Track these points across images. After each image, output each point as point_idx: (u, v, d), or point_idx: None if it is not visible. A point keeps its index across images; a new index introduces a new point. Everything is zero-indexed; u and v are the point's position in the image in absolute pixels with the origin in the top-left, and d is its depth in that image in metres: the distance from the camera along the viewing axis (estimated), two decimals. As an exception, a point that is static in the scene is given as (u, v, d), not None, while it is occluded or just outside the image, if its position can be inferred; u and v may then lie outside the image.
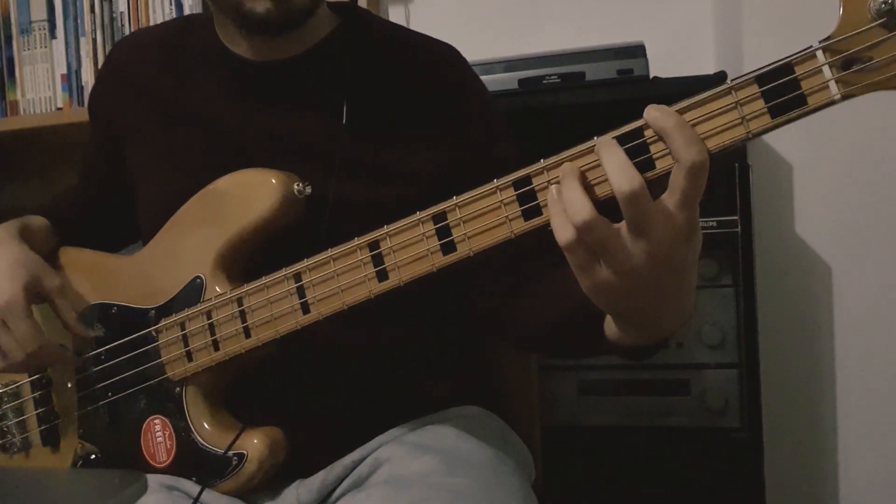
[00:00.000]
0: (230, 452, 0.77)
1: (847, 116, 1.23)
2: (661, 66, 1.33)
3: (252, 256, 0.80)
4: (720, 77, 1.18)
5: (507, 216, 0.63)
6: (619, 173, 0.54)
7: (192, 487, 0.78)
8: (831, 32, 0.54)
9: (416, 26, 1.63)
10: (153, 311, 0.83)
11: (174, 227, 0.85)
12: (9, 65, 1.63)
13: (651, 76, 1.26)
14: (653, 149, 0.57)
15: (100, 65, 1.38)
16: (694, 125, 0.55)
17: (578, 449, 1.27)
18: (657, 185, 0.56)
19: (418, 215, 0.67)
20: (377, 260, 0.69)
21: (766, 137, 1.34)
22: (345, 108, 0.83)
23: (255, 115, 0.86)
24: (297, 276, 0.73)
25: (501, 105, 0.93)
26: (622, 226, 0.55)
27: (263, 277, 0.75)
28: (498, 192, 0.63)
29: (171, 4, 1.56)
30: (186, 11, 1.55)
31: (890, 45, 0.52)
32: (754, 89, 0.55)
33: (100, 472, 0.85)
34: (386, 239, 0.68)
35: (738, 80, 0.55)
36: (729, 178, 1.19)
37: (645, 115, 0.56)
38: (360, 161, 0.83)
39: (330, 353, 0.82)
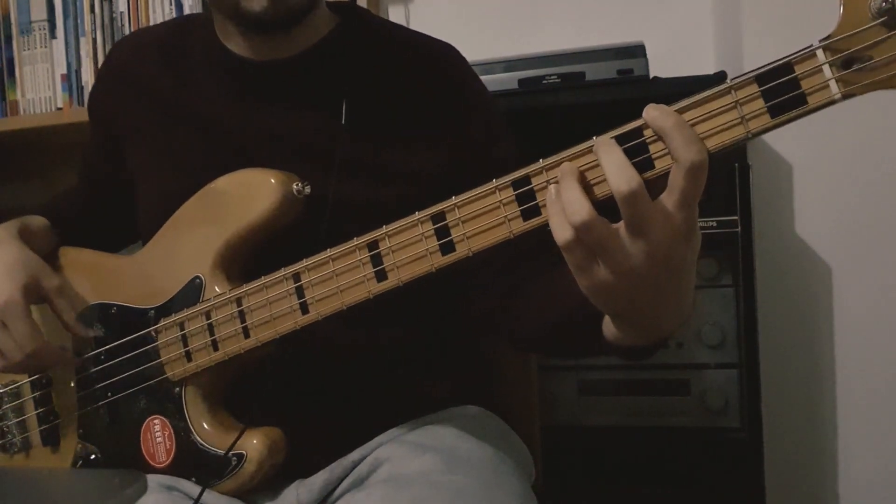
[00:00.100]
0: (230, 453, 0.77)
1: (847, 116, 1.23)
2: (661, 66, 1.33)
3: (252, 256, 0.80)
4: (720, 77, 1.18)
5: (506, 216, 0.63)
6: (617, 173, 0.54)
7: (192, 488, 0.78)
8: (831, 31, 0.53)
9: (416, 26, 1.63)
10: (153, 312, 0.83)
11: (173, 226, 0.85)
12: (9, 65, 1.63)
13: (651, 76, 1.26)
14: (652, 148, 0.57)
15: (100, 65, 1.38)
16: (693, 125, 0.55)
17: (578, 449, 1.27)
18: (656, 185, 0.56)
19: (417, 215, 0.67)
20: (376, 260, 0.69)
21: (766, 137, 1.34)
22: (344, 108, 0.83)
23: (255, 115, 0.86)
24: (297, 277, 0.73)
25: (501, 105, 0.93)
26: (621, 226, 0.55)
27: (262, 277, 0.75)
28: (497, 192, 0.63)
29: (171, 4, 1.56)
30: (186, 11, 1.55)
31: (890, 44, 0.52)
32: (754, 89, 0.55)
33: (100, 472, 0.85)
34: (385, 239, 0.68)
35: (738, 80, 0.55)
36: (729, 178, 1.19)
37: (644, 114, 0.56)
38: (359, 161, 0.83)
39: (329, 353, 0.81)
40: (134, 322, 0.84)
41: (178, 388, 0.81)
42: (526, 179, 0.61)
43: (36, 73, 1.62)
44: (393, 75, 0.87)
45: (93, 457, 0.86)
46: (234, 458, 0.77)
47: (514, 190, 0.62)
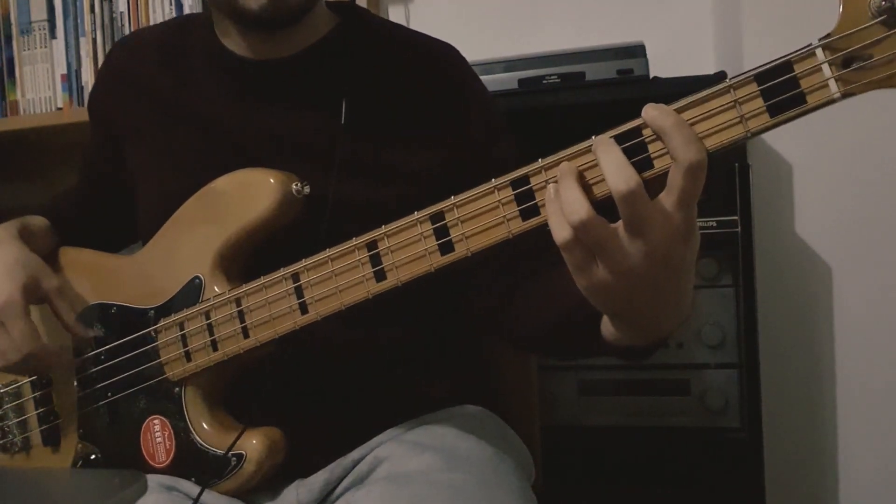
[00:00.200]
0: (229, 453, 0.77)
1: (847, 116, 1.23)
2: (661, 66, 1.33)
3: (251, 256, 0.80)
4: (720, 77, 1.17)
5: (504, 216, 0.62)
6: (615, 172, 0.54)
7: (192, 488, 0.78)
8: (831, 30, 0.53)
9: (416, 26, 1.62)
10: (152, 312, 0.83)
11: (173, 226, 0.85)
12: (9, 65, 1.63)
13: (651, 76, 1.26)
14: (651, 148, 0.56)
15: (100, 65, 1.38)
16: (692, 124, 0.55)
17: (578, 449, 1.26)
18: (655, 185, 0.56)
19: (416, 215, 0.67)
20: (375, 260, 0.69)
21: (766, 137, 1.34)
22: (344, 108, 0.83)
23: (255, 115, 0.86)
24: (296, 277, 0.73)
25: (501, 105, 0.93)
26: (619, 225, 0.55)
27: (262, 277, 0.75)
28: (496, 191, 0.63)
29: (171, 4, 1.56)
30: (186, 11, 1.55)
31: (890, 43, 0.52)
32: (753, 88, 0.55)
33: (100, 472, 0.85)
34: (384, 239, 0.68)
35: (737, 79, 0.55)
36: (729, 177, 1.19)
37: (643, 113, 0.56)
38: (359, 160, 0.83)
39: (328, 353, 0.81)
40: (134, 322, 0.84)
41: (177, 388, 0.81)
42: (525, 179, 0.61)
43: (36, 73, 1.62)
44: (393, 75, 0.87)
45: (93, 457, 0.86)
46: (234, 459, 0.77)
47: (513, 190, 0.62)
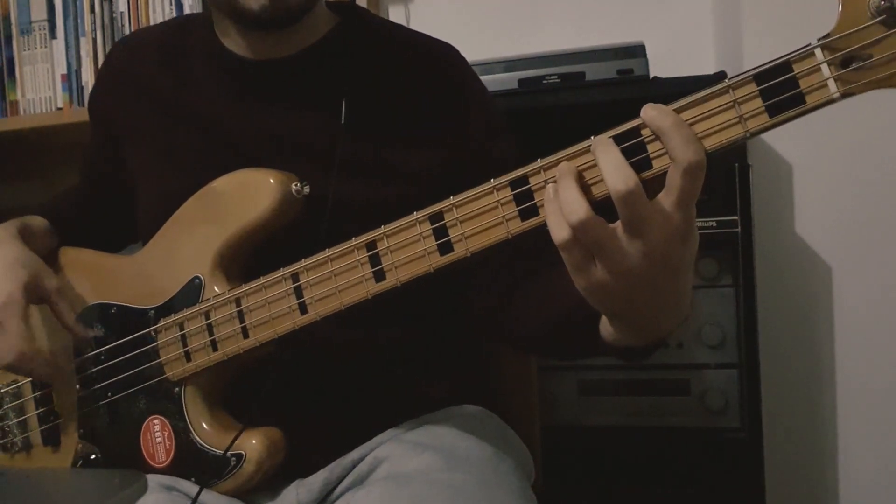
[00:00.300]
0: (229, 453, 0.77)
1: (847, 116, 1.23)
2: (661, 66, 1.33)
3: (251, 256, 0.80)
4: (720, 77, 1.17)
5: (503, 216, 0.62)
6: (614, 173, 0.54)
7: (191, 488, 0.78)
8: (830, 30, 0.53)
9: (416, 26, 1.62)
10: (152, 312, 0.83)
11: (173, 226, 0.85)
12: (9, 65, 1.63)
13: (651, 76, 1.26)
14: (650, 148, 0.56)
15: (100, 65, 1.38)
16: (691, 124, 0.55)
17: (578, 449, 1.26)
18: (655, 185, 0.56)
19: (415, 215, 0.67)
20: (374, 260, 0.69)
21: (766, 137, 1.34)
22: (344, 108, 0.83)
23: (255, 115, 0.86)
24: (295, 277, 0.73)
25: (501, 105, 0.93)
26: (618, 225, 0.55)
27: (261, 277, 0.75)
28: (495, 191, 0.63)
29: (171, 4, 1.56)
30: (186, 11, 1.55)
31: (889, 42, 0.52)
32: (752, 87, 0.55)
33: (100, 472, 0.85)
34: (383, 239, 0.68)
35: (736, 79, 0.55)
36: (729, 177, 1.19)
37: (642, 113, 0.56)
38: (359, 160, 0.83)
39: (328, 353, 0.81)
40: (134, 322, 0.84)
41: (177, 388, 0.81)
42: (524, 179, 0.61)
43: (36, 73, 1.62)
44: (393, 75, 0.87)
45: (93, 457, 0.86)
46: (234, 459, 0.77)
47: (512, 190, 0.62)
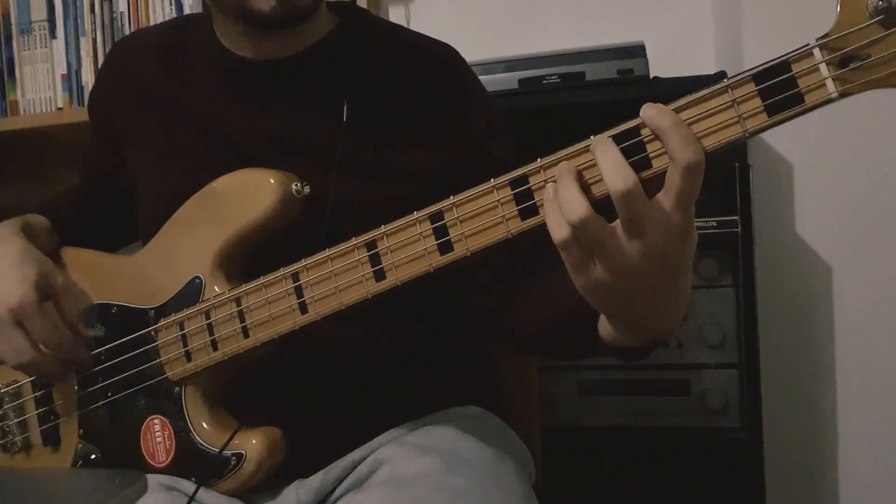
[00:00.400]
0: (229, 452, 0.77)
1: (847, 116, 1.23)
2: (661, 66, 1.33)
3: (251, 256, 0.80)
4: (720, 77, 1.17)
5: (503, 215, 0.63)
6: (613, 172, 0.54)
7: (191, 488, 0.78)
8: (829, 30, 0.53)
9: (416, 26, 1.63)
10: (152, 311, 0.83)
11: (173, 226, 0.85)
12: (9, 65, 1.64)
13: (651, 76, 1.26)
14: (649, 148, 0.57)
15: (100, 65, 1.39)
16: (690, 124, 0.55)
17: (578, 449, 1.27)
18: (654, 185, 0.56)
19: (415, 215, 0.67)
20: (374, 260, 0.69)
21: (766, 137, 1.34)
22: (345, 108, 0.83)
23: (255, 115, 0.86)
24: (295, 276, 0.73)
25: (501, 105, 0.93)
26: (617, 225, 0.55)
27: (262, 277, 0.75)
28: (495, 191, 0.63)
29: (171, 4, 1.56)
30: (186, 11, 1.55)
31: (888, 42, 0.52)
32: (751, 87, 0.55)
33: (100, 472, 0.85)
34: (383, 238, 0.68)
35: (735, 79, 0.55)
36: (729, 177, 1.19)
37: (641, 113, 0.56)
38: (359, 160, 0.83)
39: (328, 353, 0.81)
40: (134, 322, 0.84)
41: (177, 388, 0.81)
42: (524, 179, 0.61)
43: (36, 73, 1.62)
44: (393, 75, 0.87)
45: (93, 456, 0.86)
46: (234, 458, 0.77)
47: (512, 189, 0.62)
